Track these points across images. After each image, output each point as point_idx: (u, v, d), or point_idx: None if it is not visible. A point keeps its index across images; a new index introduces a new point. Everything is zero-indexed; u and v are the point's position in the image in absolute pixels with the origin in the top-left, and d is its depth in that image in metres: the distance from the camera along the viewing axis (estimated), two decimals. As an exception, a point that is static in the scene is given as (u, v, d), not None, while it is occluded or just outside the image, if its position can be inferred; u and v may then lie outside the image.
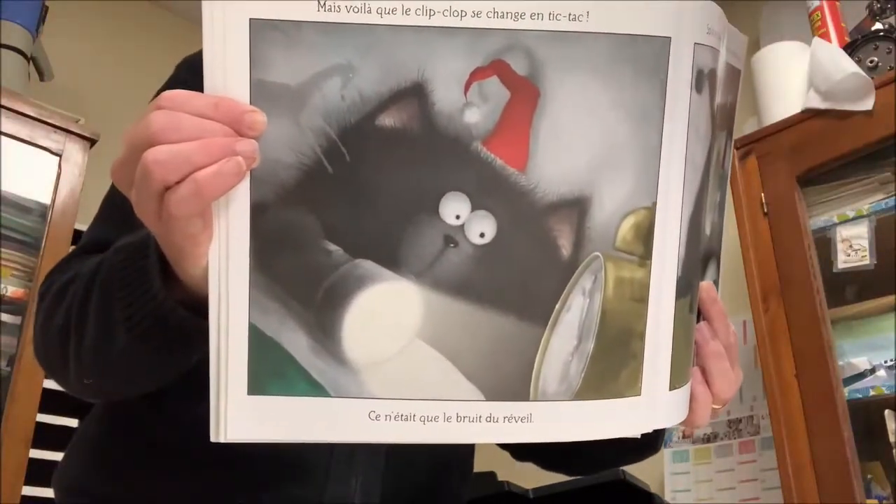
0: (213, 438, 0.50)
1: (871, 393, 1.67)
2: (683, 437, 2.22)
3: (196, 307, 0.56)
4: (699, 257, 0.57)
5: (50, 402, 1.85)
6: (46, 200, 2.00)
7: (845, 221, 1.77)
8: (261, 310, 0.50)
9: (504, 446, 0.87)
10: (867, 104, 1.73)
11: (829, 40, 1.87)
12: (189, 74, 0.81)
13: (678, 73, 0.50)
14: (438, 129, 0.48)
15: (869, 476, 1.69)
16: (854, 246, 1.75)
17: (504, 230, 0.50)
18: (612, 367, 0.52)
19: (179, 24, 2.84)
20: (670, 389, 0.55)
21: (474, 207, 0.49)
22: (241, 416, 0.50)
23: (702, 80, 0.52)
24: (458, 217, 0.49)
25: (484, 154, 0.49)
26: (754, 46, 2.17)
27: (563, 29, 0.48)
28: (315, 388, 0.50)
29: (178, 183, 0.48)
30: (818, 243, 1.80)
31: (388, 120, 0.48)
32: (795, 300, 1.76)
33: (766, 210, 1.85)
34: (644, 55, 0.49)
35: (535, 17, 0.48)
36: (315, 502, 0.75)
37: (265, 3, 0.47)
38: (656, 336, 0.53)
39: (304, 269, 0.49)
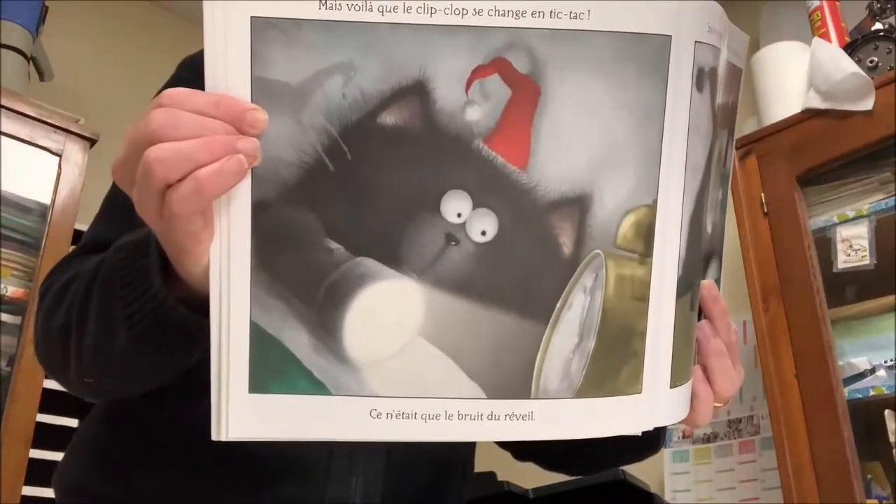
0: (214, 437, 0.50)
1: (871, 393, 1.67)
2: (683, 437, 2.22)
3: (197, 306, 0.56)
4: (700, 256, 0.57)
5: (50, 402, 1.85)
6: (46, 200, 2.00)
7: (845, 221, 1.77)
8: (262, 308, 0.50)
9: (505, 446, 0.87)
10: (867, 104, 1.73)
11: (829, 40, 1.88)
12: (190, 74, 0.81)
13: (679, 71, 0.50)
14: (440, 128, 0.48)
15: (869, 476, 1.69)
16: (854, 246, 1.75)
17: (505, 228, 0.50)
18: (613, 366, 0.52)
19: (179, 24, 2.84)
20: (671, 387, 0.55)
21: (476, 205, 0.49)
22: (242, 414, 0.50)
23: (703, 78, 0.52)
24: (459, 215, 0.49)
25: (485, 152, 0.49)
26: (754, 46, 2.17)
27: (564, 27, 0.48)
28: (316, 387, 0.50)
29: (179, 181, 0.48)
30: (818, 243, 1.80)
31: (389, 118, 0.48)
32: (795, 300, 1.76)
33: (766, 210, 1.85)
34: (645, 54, 0.49)
35: (537, 15, 0.48)
36: (316, 502, 0.75)
37: (266, 1, 0.47)
38: (657, 334, 0.53)
39: (306, 268, 0.49)
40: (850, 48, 1.84)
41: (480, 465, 0.96)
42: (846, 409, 1.66)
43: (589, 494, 1.81)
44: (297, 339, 0.50)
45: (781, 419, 1.71)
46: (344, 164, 0.49)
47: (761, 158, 1.89)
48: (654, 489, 1.96)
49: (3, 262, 1.90)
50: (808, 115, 1.82)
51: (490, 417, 0.51)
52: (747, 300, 1.83)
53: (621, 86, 0.49)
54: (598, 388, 0.52)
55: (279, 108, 0.48)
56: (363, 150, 0.49)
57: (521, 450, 0.88)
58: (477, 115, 0.49)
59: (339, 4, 0.47)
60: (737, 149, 1.92)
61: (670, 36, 0.49)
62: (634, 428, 0.54)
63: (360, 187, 0.49)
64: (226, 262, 0.50)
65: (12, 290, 1.91)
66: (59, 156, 2.03)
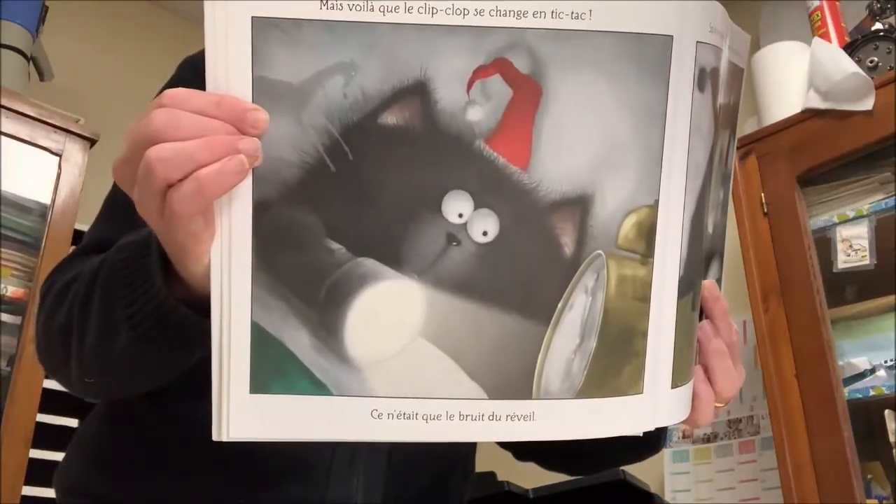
0: (215, 437, 0.50)
1: (871, 393, 1.67)
2: (683, 437, 2.22)
3: (197, 306, 0.56)
4: (701, 256, 0.57)
5: (50, 402, 1.85)
6: (46, 200, 2.00)
7: (845, 221, 1.77)
8: (263, 308, 0.50)
9: (506, 446, 0.87)
10: (867, 104, 1.73)
11: (829, 40, 1.87)
12: (191, 74, 0.81)
13: (680, 71, 0.50)
14: (441, 128, 0.48)
15: (869, 476, 1.69)
16: (854, 246, 1.75)
17: (507, 228, 0.50)
18: (614, 366, 0.52)
19: (179, 24, 2.84)
20: (672, 388, 0.55)
21: (477, 206, 0.49)
22: (243, 414, 0.50)
23: (704, 78, 0.52)
24: (460, 215, 0.49)
25: (486, 152, 0.49)
26: (754, 46, 2.17)
27: (566, 27, 0.48)
28: (317, 387, 0.50)
29: (180, 181, 0.48)
30: (818, 243, 1.80)
31: (390, 118, 0.48)
32: (795, 300, 1.76)
33: (766, 210, 1.85)
34: (647, 54, 0.49)
35: (538, 15, 0.48)
36: (317, 502, 0.75)
37: (267, 1, 0.47)
38: (658, 334, 0.53)
39: (307, 268, 0.49)
40: (850, 48, 1.84)
41: (480, 465, 0.96)
42: (846, 409, 1.66)
43: (589, 494, 1.81)
44: (298, 340, 0.50)
45: (781, 419, 1.71)
46: (345, 165, 0.48)
47: (761, 158, 1.89)
48: (654, 489, 1.96)
49: (3, 262, 1.90)
50: (808, 115, 1.82)
51: (491, 418, 0.51)
52: (747, 300, 1.83)
53: (623, 86, 0.49)
54: (599, 389, 0.52)
55: (280, 108, 0.48)
56: (364, 151, 0.49)
57: (522, 450, 0.88)
58: (478, 115, 0.49)
59: (340, 4, 0.47)
60: (737, 149, 1.92)
61: (672, 36, 0.49)
62: (635, 428, 0.54)
63: (362, 187, 0.49)
64: (227, 261, 0.49)
65: (12, 290, 1.90)
66: (59, 156, 2.03)
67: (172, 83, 0.83)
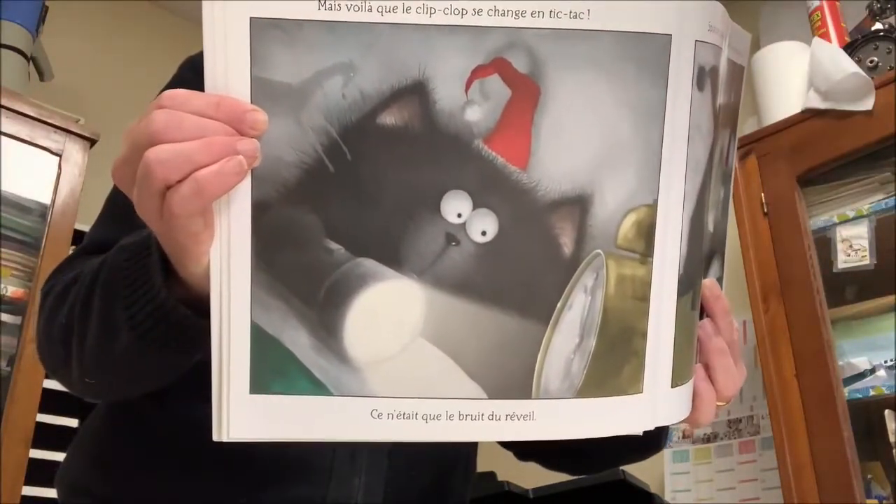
0: (215, 437, 0.50)
1: (871, 393, 1.67)
2: (683, 437, 2.22)
3: (197, 306, 0.56)
4: (701, 255, 0.57)
5: (50, 402, 1.85)
6: (46, 200, 2.00)
7: (845, 221, 1.77)
8: (263, 308, 0.50)
9: (507, 446, 0.88)
10: (867, 104, 1.73)
11: (829, 40, 1.87)
12: (192, 74, 0.81)
13: (679, 70, 0.50)
14: (439, 128, 0.48)
15: (869, 476, 1.69)
16: (854, 246, 1.75)
17: (506, 228, 0.50)
18: (614, 365, 0.52)
19: (179, 24, 2.84)
20: (672, 387, 0.55)
21: (476, 205, 0.49)
22: (243, 415, 0.50)
23: (703, 77, 0.52)
24: (459, 215, 0.49)
25: (485, 152, 0.49)
26: (754, 46, 2.16)
27: (564, 27, 0.48)
28: (317, 387, 0.50)
29: (179, 182, 0.48)
30: (818, 243, 1.80)
31: (389, 118, 0.48)
32: (795, 300, 1.76)
33: (766, 210, 1.85)
34: (646, 53, 0.49)
35: (536, 14, 0.48)
36: (318, 502, 0.75)
37: (266, 1, 0.47)
38: (658, 333, 0.53)
39: (306, 268, 0.49)
40: (850, 48, 1.84)
41: (480, 465, 0.96)
42: (846, 409, 1.66)
43: (589, 494, 1.81)
44: (298, 340, 0.50)
45: (781, 419, 1.71)
46: (344, 165, 0.48)
47: (761, 158, 1.89)
48: (654, 489, 1.96)
49: (3, 262, 1.90)
50: (808, 115, 1.82)
51: (491, 418, 0.51)
52: (747, 300, 1.83)
53: (622, 85, 0.49)
54: (599, 388, 0.52)
55: (279, 108, 0.48)
56: (363, 151, 0.49)
57: (524, 450, 0.88)
58: (477, 115, 0.49)
59: (339, 5, 0.47)
60: (737, 149, 1.92)
61: (671, 35, 0.49)
62: (635, 427, 0.53)
63: (360, 188, 0.49)
64: (226, 262, 0.50)
65: (12, 290, 1.90)
66: (59, 156, 2.03)
67: (173, 83, 0.83)
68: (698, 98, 0.52)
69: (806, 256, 1.77)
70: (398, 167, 0.49)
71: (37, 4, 2.16)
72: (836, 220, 1.79)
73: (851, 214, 1.77)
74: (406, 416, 0.50)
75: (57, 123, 2.03)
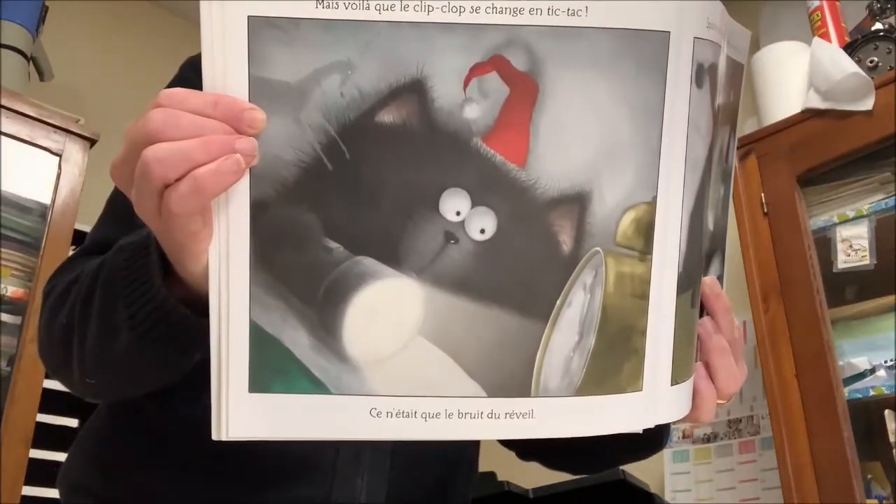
0: (214, 437, 0.50)
1: (871, 393, 1.67)
2: (683, 437, 2.22)
3: (197, 305, 0.56)
4: (701, 252, 0.57)
5: (50, 402, 1.85)
6: (46, 200, 2.00)
7: (845, 221, 1.77)
8: (262, 307, 0.50)
9: (508, 445, 0.88)
10: (867, 104, 1.73)
11: (829, 40, 1.87)
12: (193, 74, 0.81)
13: (678, 68, 0.50)
14: (438, 126, 0.48)
15: (869, 476, 1.68)
16: (854, 246, 1.75)
17: (504, 226, 0.50)
18: (613, 363, 0.52)
19: (179, 24, 2.84)
20: (672, 385, 0.55)
21: (474, 204, 0.49)
22: (242, 414, 0.50)
23: (702, 74, 0.52)
24: (458, 213, 0.49)
25: (484, 150, 0.49)
26: (754, 46, 2.17)
27: (562, 24, 0.48)
28: (316, 386, 0.50)
29: (177, 180, 0.48)
30: (818, 243, 1.80)
31: (387, 116, 0.48)
32: (795, 300, 1.76)
33: (766, 210, 1.85)
34: (644, 50, 0.49)
35: (534, 12, 0.47)
36: (321, 502, 0.75)
37: (264, 0, 0.47)
38: (657, 331, 0.53)
39: (305, 267, 0.49)
40: (850, 48, 1.84)
41: (481, 465, 0.96)
42: (846, 409, 1.66)
43: (589, 494, 1.81)
44: (297, 339, 0.50)
45: (781, 419, 1.71)
46: (342, 163, 0.48)
47: (761, 158, 1.89)
48: (654, 489, 1.96)
49: (3, 262, 1.90)
50: (808, 115, 1.82)
51: (490, 416, 0.51)
52: (747, 300, 1.83)
53: (620, 82, 0.49)
54: (598, 386, 0.52)
55: (277, 107, 0.48)
56: (362, 149, 0.48)
57: (525, 449, 0.88)
58: (475, 113, 0.48)
59: (336, 3, 0.47)
60: (737, 148, 1.92)
61: (669, 32, 0.49)
62: (635, 425, 0.53)
63: (359, 186, 0.49)
64: (225, 261, 0.49)
65: (12, 290, 1.90)
66: (59, 156, 2.03)
67: (174, 83, 0.83)
68: (697, 95, 0.52)
69: (806, 256, 1.77)
70: (397, 165, 0.49)
71: (37, 4, 2.16)
72: (836, 220, 1.79)
73: (851, 214, 1.77)
74: (405, 414, 0.50)
75: (57, 123, 2.03)
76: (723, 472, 2.12)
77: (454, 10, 0.47)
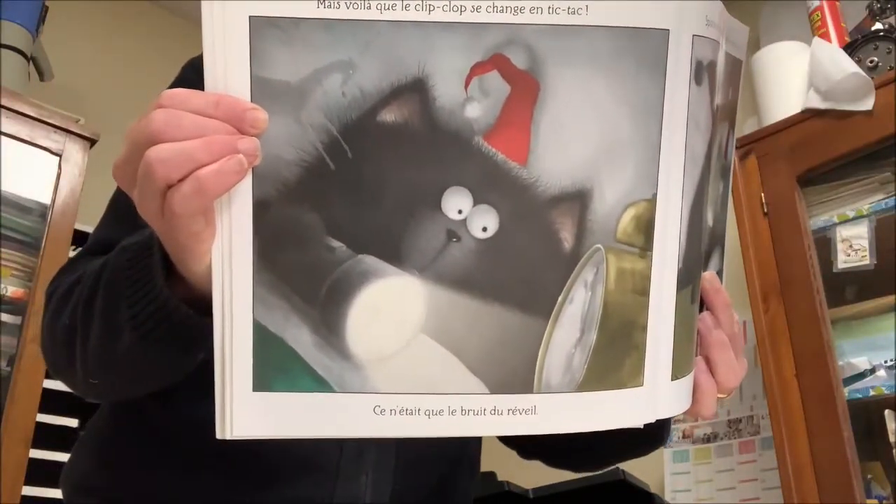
0: (218, 435, 0.50)
1: (871, 393, 1.67)
2: (684, 437, 2.22)
3: (200, 306, 0.56)
4: (701, 248, 0.57)
5: (50, 402, 1.85)
6: (46, 200, 2.00)
7: (845, 221, 1.77)
8: (265, 306, 0.50)
9: (510, 445, 0.88)
10: (867, 104, 1.73)
11: (829, 40, 1.88)
12: (194, 75, 0.81)
13: (677, 65, 0.50)
14: (439, 125, 0.49)
15: (869, 476, 1.69)
16: (854, 246, 1.75)
17: (506, 224, 0.50)
18: (614, 359, 0.52)
19: (179, 24, 2.84)
20: (672, 380, 0.55)
21: (476, 202, 0.50)
22: (246, 412, 0.50)
23: (701, 72, 0.52)
24: (460, 212, 0.50)
25: (485, 148, 0.49)
26: (754, 46, 2.17)
27: (562, 22, 0.48)
28: (320, 384, 0.50)
29: (180, 181, 0.48)
30: (818, 243, 1.80)
31: (389, 116, 0.48)
32: (795, 300, 1.76)
33: (766, 210, 1.85)
34: (644, 48, 0.49)
35: (535, 10, 0.48)
36: (326, 500, 0.75)
37: (265, 0, 0.47)
38: (658, 327, 0.53)
39: (308, 266, 0.50)
40: (850, 48, 1.84)
41: (481, 465, 0.96)
42: (846, 409, 1.66)
43: (589, 494, 1.81)
44: (300, 337, 0.50)
45: (781, 419, 1.71)
46: (344, 163, 0.49)
47: (761, 158, 1.89)
48: (654, 489, 1.97)
49: (3, 262, 1.90)
50: (808, 115, 1.82)
51: (493, 412, 0.51)
52: (747, 300, 1.83)
53: (620, 80, 0.49)
54: (599, 382, 0.52)
55: (279, 107, 0.48)
56: (363, 148, 0.49)
57: (527, 448, 0.88)
58: (476, 111, 0.49)
59: (337, 3, 0.47)
60: (737, 149, 1.92)
61: (668, 30, 0.49)
62: (636, 420, 0.54)
63: (361, 185, 0.49)
64: (228, 261, 0.50)
65: (12, 290, 1.90)
66: (59, 156, 2.03)
67: (177, 84, 0.83)
68: (696, 93, 0.52)
69: (806, 256, 1.77)
70: (399, 164, 0.49)
71: (37, 4, 2.16)
72: (836, 220, 1.79)
73: (851, 214, 1.77)
74: (409, 412, 0.50)
75: (57, 123, 2.03)
76: (723, 472, 2.12)
77: (455, 9, 0.47)
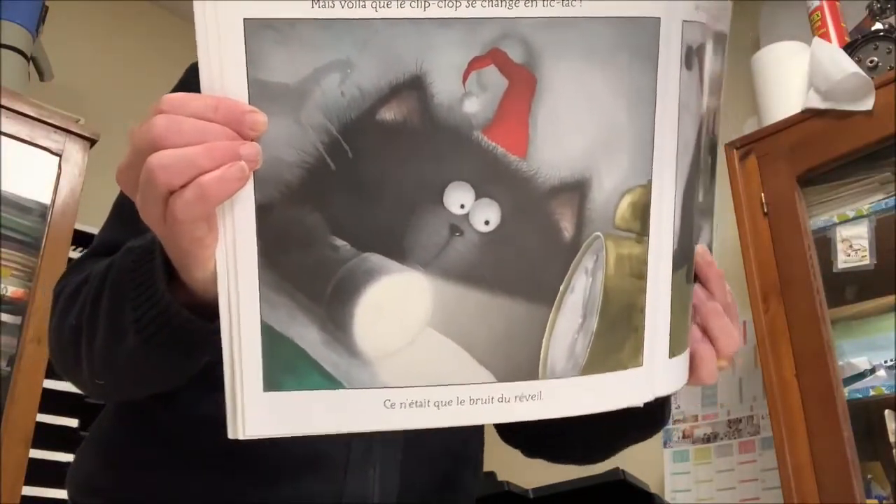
0: (230, 436, 0.50)
1: (871, 393, 1.67)
2: (684, 437, 2.22)
3: (203, 310, 0.56)
4: (693, 229, 0.58)
5: (50, 402, 1.85)
6: (46, 200, 2.00)
7: (845, 221, 1.77)
8: (271, 307, 0.50)
9: (513, 444, 0.88)
10: (867, 104, 1.73)
11: (829, 40, 1.88)
12: (196, 78, 0.81)
13: (668, 52, 0.50)
14: (439, 121, 0.49)
15: (869, 476, 1.69)
16: (854, 246, 1.75)
17: (508, 217, 0.50)
18: (615, 342, 0.53)
19: (179, 24, 2.84)
20: (670, 357, 0.56)
21: (478, 196, 0.50)
22: (258, 412, 0.50)
23: (691, 56, 0.53)
24: (462, 206, 0.50)
25: (485, 143, 0.49)
26: (754, 46, 2.18)
27: (557, 15, 0.48)
28: (329, 381, 0.50)
29: (182, 187, 0.48)
30: (818, 243, 1.80)
31: (388, 114, 0.48)
32: (795, 300, 1.76)
33: (766, 210, 1.85)
34: (636, 36, 0.49)
35: (529, 4, 0.48)
36: (334, 495, 0.75)
37: (258, 2, 0.46)
38: (655, 308, 0.54)
39: (313, 266, 0.50)
40: (850, 48, 1.84)
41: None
42: (846, 409, 1.66)
43: (589, 494, 1.82)
44: (307, 336, 0.50)
45: (781, 419, 1.71)
46: (345, 162, 0.49)
47: (761, 158, 1.89)
48: (654, 489, 1.97)
49: (3, 262, 1.90)
50: (808, 115, 1.82)
51: (500, 400, 0.51)
52: (747, 300, 1.83)
53: (614, 70, 0.50)
54: (601, 365, 0.53)
55: (278, 108, 0.48)
56: (364, 147, 0.49)
57: (530, 446, 0.88)
58: (475, 106, 0.49)
59: (332, 2, 0.47)
60: (737, 149, 1.92)
61: (659, 18, 0.50)
62: (636, 399, 0.55)
63: (363, 184, 0.49)
64: (232, 264, 0.49)
65: (12, 290, 1.90)
66: (59, 156, 2.03)
67: (180, 87, 0.83)
68: (686, 77, 0.52)
69: (806, 256, 1.77)
70: (399, 162, 0.49)
71: (37, 4, 2.16)
72: (836, 220, 1.79)
73: (851, 214, 1.77)
74: (418, 404, 0.50)
75: (57, 123, 2.03)
76: (723, 472, 2.12)
77: (450, 4, 0.47)
